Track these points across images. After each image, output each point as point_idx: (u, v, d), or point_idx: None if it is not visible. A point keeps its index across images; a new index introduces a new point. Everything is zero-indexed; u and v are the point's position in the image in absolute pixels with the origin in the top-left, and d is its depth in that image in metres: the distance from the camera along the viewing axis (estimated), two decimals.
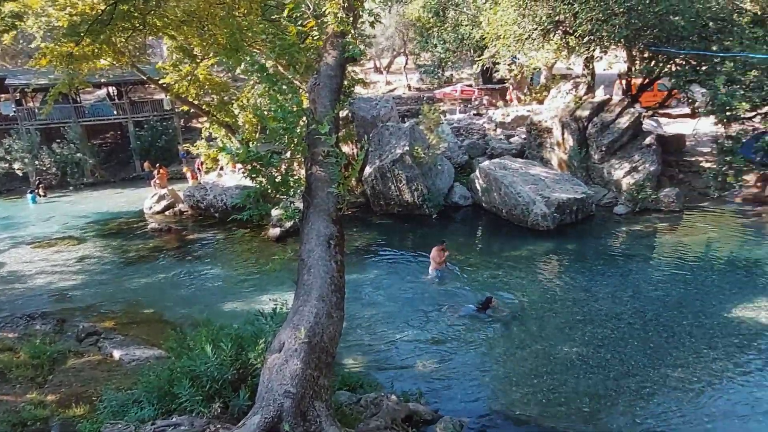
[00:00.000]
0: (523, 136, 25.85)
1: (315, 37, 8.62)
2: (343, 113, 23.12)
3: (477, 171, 21.80)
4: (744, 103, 17.74)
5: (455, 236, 19.33)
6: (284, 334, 6.02)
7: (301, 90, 11.45)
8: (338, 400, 7.92)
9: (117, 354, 11.02)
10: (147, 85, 37.35)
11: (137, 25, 15.75)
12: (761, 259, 15.38)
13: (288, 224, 18.88)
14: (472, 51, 33.05)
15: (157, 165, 29.15)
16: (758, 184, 20.82)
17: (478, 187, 21.34)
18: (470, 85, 37.98)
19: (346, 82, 22.74)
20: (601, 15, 18.93)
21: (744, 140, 19.45)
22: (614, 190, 21.40)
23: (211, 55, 18.98)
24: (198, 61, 19.99)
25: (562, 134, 22.72)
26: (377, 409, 8.56)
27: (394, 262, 16.79)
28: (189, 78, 20.23)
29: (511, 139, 26.84)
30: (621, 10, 18.68)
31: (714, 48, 18.66)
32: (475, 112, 32.67)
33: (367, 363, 11.00)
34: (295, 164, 8.37)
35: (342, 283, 6.87)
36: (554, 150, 23.27)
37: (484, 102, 34.99)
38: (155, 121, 37.66)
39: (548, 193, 18.99)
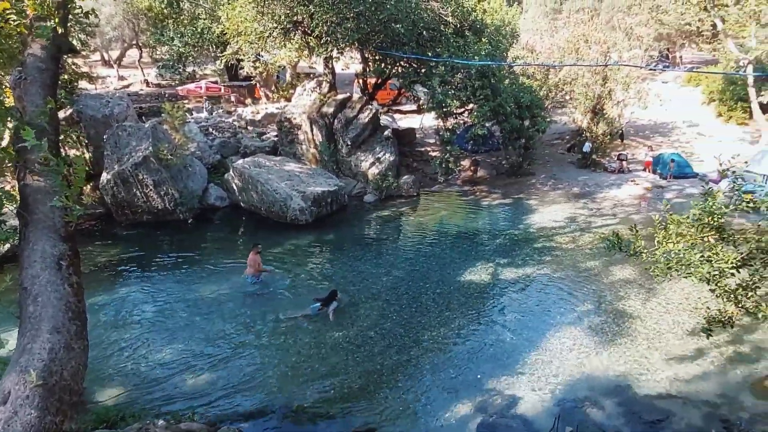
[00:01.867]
0: (275, 133, 26.14)
1: (14, 22, 7.15)
2: (65, 112, 19.98)
3: (231, 170, 21.25)
4: (455, 101, 21.10)
5: (216, 239, 18.58)
6: (8, 381, 4.94)
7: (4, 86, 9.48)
8: None
9: None
10: None
11: None
12: (479, 230, 18.63)
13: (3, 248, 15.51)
14: (213, 46, 31.94)
15: None
16: (471, 168, 25.10)
17: (235, 187, 20.84)
18: (216, 82, 36.67)
19: (66, 76, 19.71)
20: (334, 18, 20.20)
21: (458, 132, 23.19)
22: (363, 180, 23.25)
23: None
24: None
25: (312, 130, 23.68)
26: None
27: (149, 275, 15.29)
28: None
29: (264, 137, 26.89)
30: (351, 15, 20.24)
31: (429, 53, 21.66)
32: (222, 109, 31.72)
33: (129, 392, 9.83)
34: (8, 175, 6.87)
35: (82, 308, 5.92)
36: (306, 146, 24.12)
37: (233, 99, 34.24)
38: None
39: (304, 187, 19.62)
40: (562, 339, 11.21)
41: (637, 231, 6.48)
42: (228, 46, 25.19)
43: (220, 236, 19.07)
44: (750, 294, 5.48)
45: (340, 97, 24.60)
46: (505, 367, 10.31)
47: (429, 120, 26.19)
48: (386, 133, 24.05)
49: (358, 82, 27.60)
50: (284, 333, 11.90)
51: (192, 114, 28.49)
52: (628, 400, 9.20)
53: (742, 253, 5.69)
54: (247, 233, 19.20)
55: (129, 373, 10.44)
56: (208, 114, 29.68)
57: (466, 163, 25.22)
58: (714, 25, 29.11)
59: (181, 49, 32.79)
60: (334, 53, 22.55)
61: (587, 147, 25.61)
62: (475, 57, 20.42)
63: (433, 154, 24.78)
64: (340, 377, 10.12)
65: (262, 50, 24.17)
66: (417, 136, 28.26)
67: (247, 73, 30.31)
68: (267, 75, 31.56)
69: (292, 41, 21.76)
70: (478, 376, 10.04)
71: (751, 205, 5.56)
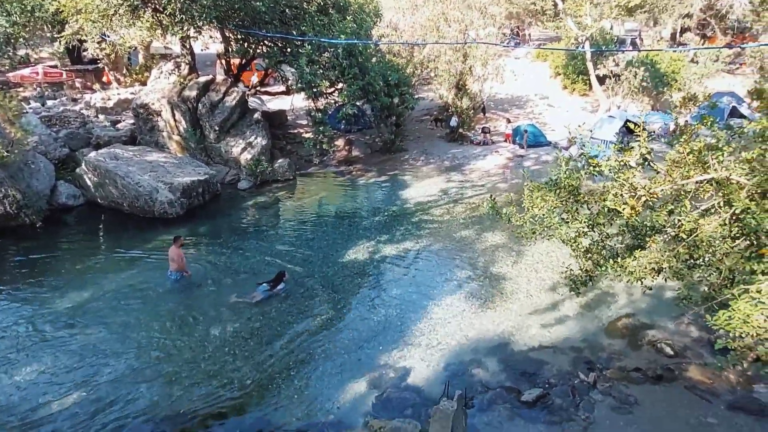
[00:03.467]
0: (131, 120, 23.93)
1: None
2: None
3: (84, 165, 19.09)
4: (324, 81, 20.84)
5: (71, 242, 16.67)
6: None
7: None
8: None
9: None
10: None
11: None
12: (358, 208, 18.81)
13: None
14: (49, 26, 28.19)
15: None
16: (346, 147, 25.14)
17: (89, 183, 18.78)
18: (55, 66, 32.53)
19: None
20: None
21: (330, 112, 23.01)
22: (235, 166, 22.23)
23: None
24: None
25: (173, 116, 22.04)
26: None
27: None
28: None
29: (119, 125, 24.46)
30: None
31: (294, 32, 21.06)
32: (66, 97, 28.30)
33: None
34: None
35: None
36: (168, 133, 22.42)
37: (77, 85, 30.67)
38: None
39: (170, 178, 18.27)
40: (444, 307, 11.75)
41: (494, 202, 6.92)
42: (67, 25, 22.39)
43: (77, 239, 17.13)
44: (600, 250, 6.12)
45: (202, 79, 23.11)
46: (394, 341, 10.57)
47: (299, 101, 25.65)
48: (256, 116, 23.16)
49: (221, 62, 26.14)
50: (160, 337, 11.08)
51: (30, 104, 25.07)
52: (507, 357, 9.93)
53: (592, 213, 6.29)
54: (110, 232, 17.48)
55: None
56: (40, 103, 26.13)
57: (340, 143, 25.21)
58: (555, 5, 31.81)
59: (8, 29, 28.50)
60: (191, 32, 21.05)
61: (454, 121, 26.88)
62: (341, 35, 20.27)
63: (306, 135, 24.36)
64: (229, 374, 9.67)
65: (107, 30, 21.84)
66: (288, 117, 27.61)
67: (92, 55, 27.34)
68: (116, 57, 28.62)
69: (141, 19, 19.89)
70: (369, 354, 10.18)
71: (596, 169, 6.12)
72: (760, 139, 5.37)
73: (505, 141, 26.59)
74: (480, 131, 27.15)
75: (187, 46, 23.21)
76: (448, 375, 9.37)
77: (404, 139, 26.04)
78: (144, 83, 26.94)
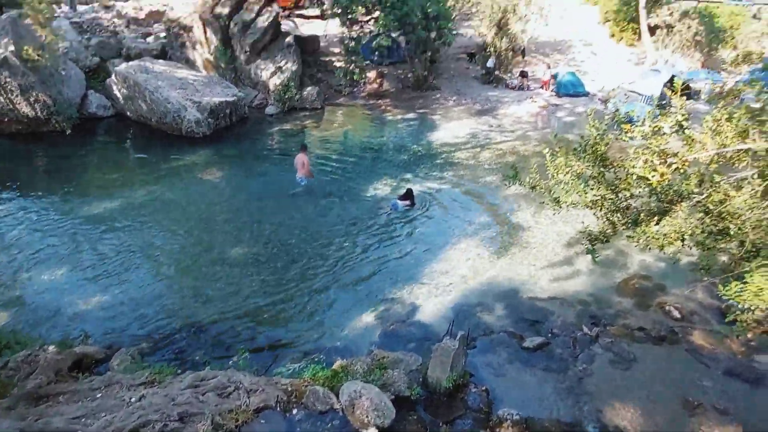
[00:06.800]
0: (163, 34, 23.63)
1: None
2: None
3: (114, 76, 19.18)
4: (360, 7, 20.11)
5: (101, 154, 17.06)
6: None
7: None
8: None
9: None
10: None
11: None
12: (384, 144, 18.68)
13: None
14: None
15: None
16: (377, 80, 24.61)
17: (119, 95, 18.94)
18: None
19: None
20: None
21: (364, 42, 22.36)
22: (263, 90, 22.06)
23: None
24: None
25: (205, 33, 21.71)
26: (34, 366, 7.39)
27: (25, 193, 13.82)
28: None
29: (149, 38, 24.19)
30: None
31: None
32: (98, 3, 27.89)
33: (13, 318, 9.15)
34: None
35: None
36: (199, 50, 22.16)
37: None
38: None
39: (199, 97, 18.28)
40: (460, 250, 11.87)
41: (516, 172, 6.77)
42: None
43: (108, 151, 17.52)
44: (624, 214, 6.03)
45: None
46: (407, 278, 10.79)
47: (333, 27, 24.91)
48: (288, 39, 22.66)
49: None
50: (181, 251, 11.52)
51: (61, 7, 24.83)
52: (514, 303, 10.10)
53: (618, 178, 6.14)
54: (138, 147, 17.77)
55: (11, 299, 9.69)
56: (71, 7, 25.79)
57: (371, 75, 24.65)
58: None
59: None
60: None
61: (491, 62, 25.95)
62: None
63: (338, 64, 23.84)
64: (244, 293, 10.08)
65: None
66: (321, 44, 26.91)
67: None
68: None
69: None
70: (381, 288, 10.45)
71: (629, 134, 5.92)
72: None
73: (542, 87, 25.68)
74: (518, 75, 26.22)
75: None
76: (455, 315, 9.60)
77: (438, 77, 25.33)
78: None
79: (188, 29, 21.94)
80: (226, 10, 21.48)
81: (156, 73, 19.00)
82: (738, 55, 27.98)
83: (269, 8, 22.48)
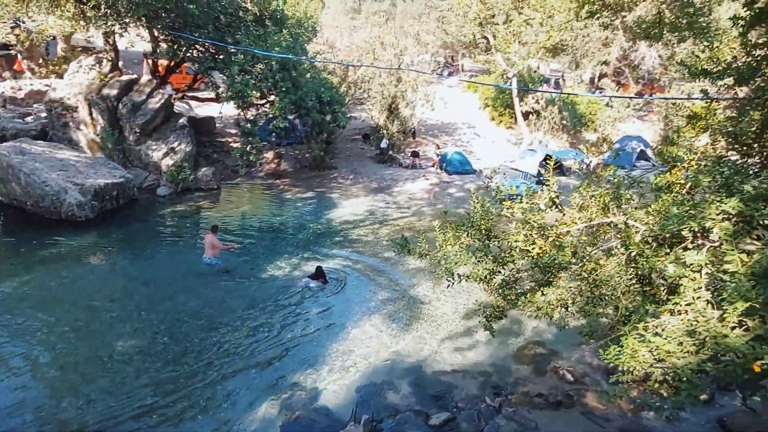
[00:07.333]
0: (43, 114, 22.32)
1: None
2: None
3: None
4: (255, 92, 20.50)
5: None
6: None
7: None
8: None
9: None
10: None
11: None
12: (283, 224, 18.53)
13: None
14: None
15: None
16: (275, 160, 24.80)
17: None
18: None
19: None
20: None
21: (260, 123, 22.65)
22: (155, 171, 21.27)
23: None
24: None
25: (90, 114, 20.83)
26: None
27: None
28: None
29: (28, 118, 22.75)
30: None
31: (229, 40, 20.58)
32: None
33: None
34: None
35: None
36: (83, 131, 21.11)
37: None
38: None
39: (82, 179, 17.18)
40: (362, 328, 11.76)
41: (405, 241, 6.99)
42: None
43: None
44: (512, 287, 6.39)
45: (125, 78, 22.07)
46: (309, 361, 10.42)
47: (229, 109, 25.06)
48: (182, 121, 22.36)
49: (148, 62, 25.02)
50: (58, 347, 10.30)
51: None
52: (419, 379, 10.07)
53: (503, 251, 6.55)
54: (10, 232, 16.07)
55: None
56: None
57: (269, 155, 24.82)
58: (487, 40, 33.33)
59: None
60: (116, 28, 20.04)
61: (384, 143, 27.26)
62: (276, 48, 20.08)
63: (235, 145, 23.77)
64: (131, 392, 9.11)
65: (24, 14, 20.36)
66: (217, 125, 26.84)
67: (3, 41, 25.37)
68: (32, 45, 26.72)
69: (62, 8, 18.73)
70: (283, 374, 9.97)
71: (509, 211, 6.38)
72: (656, 191, 5.89)
73: (433, 166, 27.28)
74: (409, 155, 27.70)
75: (111, 42, 22.09)
76: (360, 397, 9.34)
77: (334, 157, 26.06)
78: (60, 76, 25.28)
79: (72, 109, 20.93)
80: (114, 92, 20.89)
81: (33, 155, 17.69)
82: (597, 139, 31.97)
83: (161, 90, 22.20)
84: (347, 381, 9.86)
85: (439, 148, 29.20)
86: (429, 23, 33.73)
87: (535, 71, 37.21)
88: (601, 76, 41.64)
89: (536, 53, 29.87)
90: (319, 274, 13.60)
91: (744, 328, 4.27)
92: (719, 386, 9.30)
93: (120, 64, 23.66)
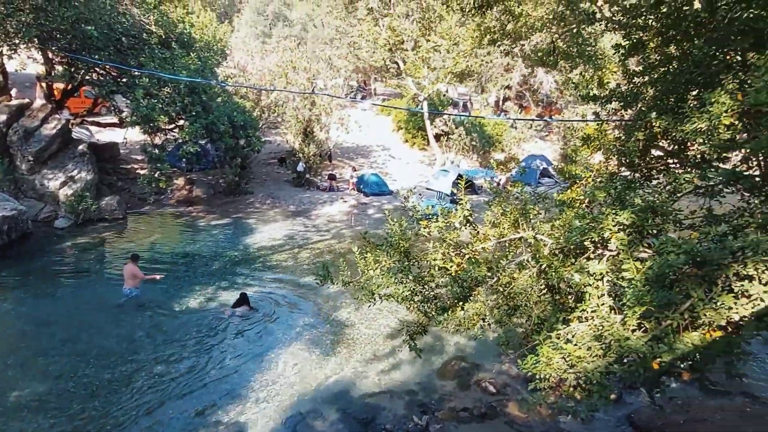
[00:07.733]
0: None
1: None
2: None
3: None
4: (163, 116, 19.72)
5: None
6: None
7: None
8: None
9: None
10: None
11: None
12: (197, 253, 17.76)
13: None
14: None
15: None
16: (186, 187, 23.84)
17: None
18: None
19: None
20: (3, 8, 16.69)
21: (169, 149, 21.75)
22: (52, 202, 19.71)
23: None
24: None
25: None
26: None
27: None
28: None
29: None
30: (27, 6, 17.00)
31: (132, 62, 19.69)
32: None
33: None
34: None
35: None
36: None
37: None
38: None
39: None
40: (285, 356, 11.47)
41: (327, 271, 6.93)
42: None
43: None
44: (433, 304, 6.56)
45: (15, 102, 20.42)
46: (231, 394, 9.99)
47: (135, 134, 23.85)
48: (81, 147, 20.98)
49: (41, 86, 23.31)
50: None
51: None
52: (346, 405, 9.95)
53: (422, 271, 6.72)
54: None
55: None
56: None
57: (180, 181, 23.85)
58: (397, 65, 34.39)
59: None
60: (5, 50, 18.58)
61: (301, 166, 27.12)
62: (183, 71, 19.48)
63: (142, 172, 22.62)
64: None
65: None
66: (121, 151, 25.41)
67: None
68: None
69: None
70: (203, 409, 9.48)
71: (425, 231, 6.58)
72: (560, 206, 6.33)
73: (350, 188, 27.47)
74: (326, 177, 27.72)
75: None
76: (286, 428, 9.08)
77: (250, 182, 25.51)
78: None
79: None
80: (3, 118, 19.24)
81: None
82: (505, 158, 33.83)
83: (57, 115, 20.75)
84: (273, 412, 9.55)
85: (355, 171, 29.49)
86: (341, 48, 34.25)
87: (444, 95, 38.86)
88: (505, 99, 44.31)
89: (444, 78, 31.20)
90: (243, 301, 13.24)
91: (643, 330, 4.67)
92: (626, 386, 10.01)
93: (12, 89, 21.87)
